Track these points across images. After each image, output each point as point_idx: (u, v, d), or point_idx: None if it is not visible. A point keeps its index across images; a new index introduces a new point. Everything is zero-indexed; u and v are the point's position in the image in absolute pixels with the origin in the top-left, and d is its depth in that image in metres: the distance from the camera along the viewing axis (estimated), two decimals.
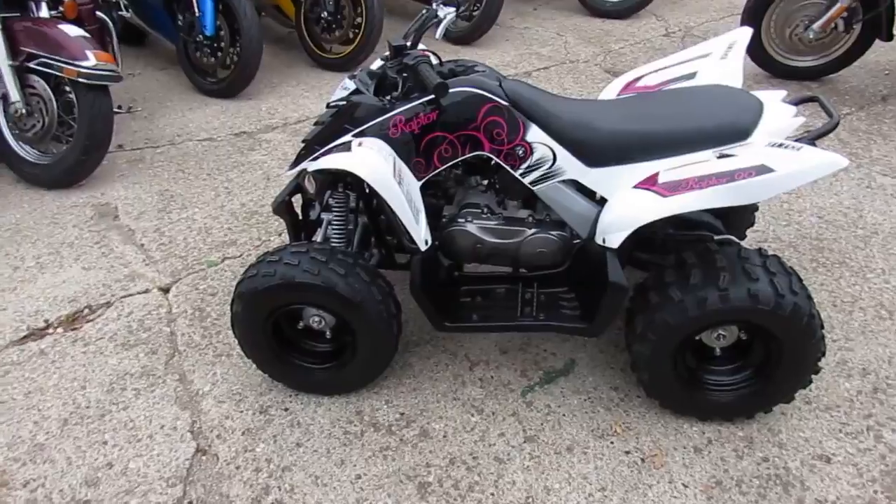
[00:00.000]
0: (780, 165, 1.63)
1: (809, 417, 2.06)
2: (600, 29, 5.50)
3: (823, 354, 1.86)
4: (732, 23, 5.34)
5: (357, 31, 4.59)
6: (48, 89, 3.21)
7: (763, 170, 1.64)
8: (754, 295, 1.73)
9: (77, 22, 3.34)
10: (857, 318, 2.43)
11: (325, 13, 4.56)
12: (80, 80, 3.04)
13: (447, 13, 2.16)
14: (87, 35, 3.19)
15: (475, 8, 5.03)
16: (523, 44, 5.24)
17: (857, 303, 2.50)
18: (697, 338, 1.91)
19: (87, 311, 2.54)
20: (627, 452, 1.97)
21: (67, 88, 3.18)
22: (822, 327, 1.82)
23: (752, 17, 4.14)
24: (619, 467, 1.93)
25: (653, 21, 5.65)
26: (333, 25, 4.64)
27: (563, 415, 2.09)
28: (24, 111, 3.21)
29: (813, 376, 1.91)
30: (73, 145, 3.21)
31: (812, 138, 1.89)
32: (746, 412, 2.03)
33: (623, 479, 1.90)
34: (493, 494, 1.87)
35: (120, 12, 4.58)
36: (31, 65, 3.13)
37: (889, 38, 3.91)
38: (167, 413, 2.11)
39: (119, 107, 3.73)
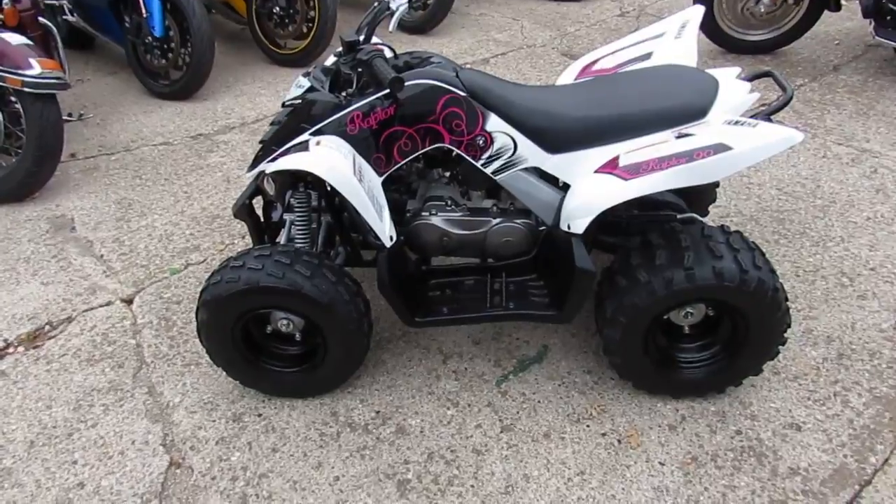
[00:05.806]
0: (738, 143, 1.65)
1: (779, 388, 2.10)
2: (555, 12, 5.50)
3: (789, 325, 1.89)
4: (685, 0, 5.39)
5: (311, 25, 4.51)
6: None
7: (721, 148, 1.65)
8: (719, 272, 1.75)
9: (19, 29, 3.24)
10: (819, 286, 2.48)
11: (278, 8, 4.46)
12: (26, 89, 2.94)
13: (399, 5, 2.12)
14: (30, 42, 3.09)
15: None
16: (480, 30, 5.22)
17: (819, 272, 2.55)
18: (666, 317, 1.93)
19: (48, 327, 2.46)
20: (604, 434, 1.99)
21: (13, 99, 3.07)
22: (787, 299, 1.85)
23: None
24: (596, 450, 1.95)
25: (607, 2, 5.67)
26: (286, 20, 4.55)
27: (539, 402, 2.10)
28: None
29: (780, 347, 1.94)
30: (23, 157, 3.10)
31: (768, 114, 1.92)
32: (717, 387, 2.05)
33: (601, 462, 1.91)
34: (472, 486, 1.87)
35: (64, 17, 4.44)
36: None
37: (837, 8, 3.99)
38: (138, 427, 2.07)
39: (69, 114, 3.63)
